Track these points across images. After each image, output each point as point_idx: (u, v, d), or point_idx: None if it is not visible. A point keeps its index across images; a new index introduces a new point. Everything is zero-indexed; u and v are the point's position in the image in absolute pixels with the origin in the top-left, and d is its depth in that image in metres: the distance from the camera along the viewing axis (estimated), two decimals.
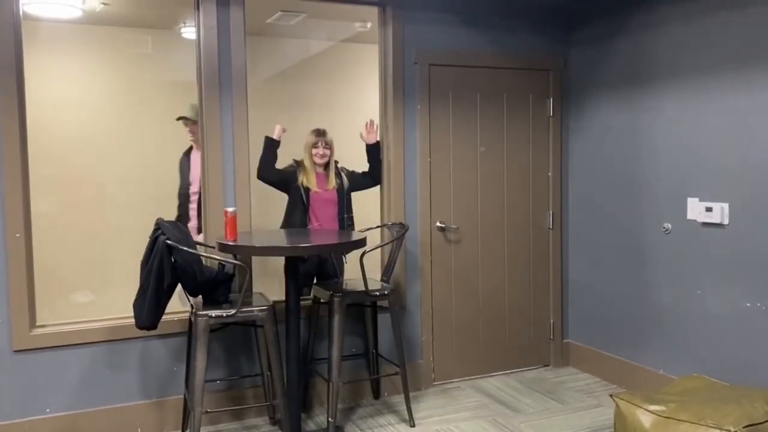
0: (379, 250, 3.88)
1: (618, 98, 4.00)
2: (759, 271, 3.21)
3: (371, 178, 3.95)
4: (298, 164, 3.86)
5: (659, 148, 3.73)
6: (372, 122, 3.92)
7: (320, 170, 3.84)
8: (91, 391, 3.36)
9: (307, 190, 3.80)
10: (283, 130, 3.75)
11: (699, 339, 3.54)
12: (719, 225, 3.39)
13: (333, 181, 3.84)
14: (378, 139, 3.93)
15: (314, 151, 3.80)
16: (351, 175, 3.94)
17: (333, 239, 3.35)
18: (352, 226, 3.92)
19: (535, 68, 4.30)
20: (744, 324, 3.29)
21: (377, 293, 3.50)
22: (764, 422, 2.69)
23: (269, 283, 3.86)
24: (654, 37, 3.73)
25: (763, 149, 3.17)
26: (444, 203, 4.12)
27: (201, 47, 3.51)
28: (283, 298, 3.34)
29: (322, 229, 3.81)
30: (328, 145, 3.83)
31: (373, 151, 3.92)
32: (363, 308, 3.86)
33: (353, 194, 3.96)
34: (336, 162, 3.91)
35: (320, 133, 3.83)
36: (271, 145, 3.73)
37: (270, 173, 3.76)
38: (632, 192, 3.93)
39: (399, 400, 3.88)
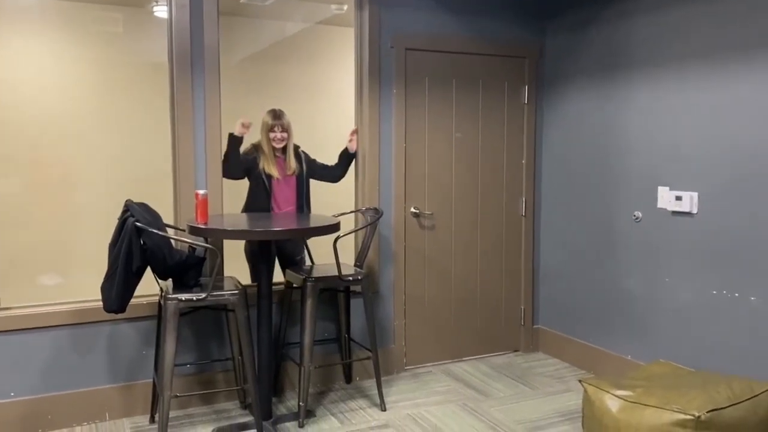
0: (352, 235, 3.86)
1: (592, 87, 4.03)
2: (725, 260, 3.27)
3: (331, 175, 3.89)
4: (257, 148, 3.76)
5: (631, 137, 3.77)
6: (356, 131, 3.88)
7: (279, 154, 3.77)
8: (57, 374, 3.30)
9: (269, 177, 3.73)
10: (245, 126, 3.59)
11: (666, 326, 3.60)
12: (688, 214, 3.45)
13: (292, 166, 3.77)
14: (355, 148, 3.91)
15: (271, 135, 3.69)
16: (311, 162, 3.87)
17: (306, 223, 3.33)
18: (309, 211, 3.88)
19: (510, 55, 4.30)
20: (710, 311, 3.36)
21: (350, 278, 3.49)
22: (727, 407, 2.75)
23: (241, 267, 3.82)
24: (628, 27, 3.76)
25: (733, 140, 3.21)
26: (418, 189, 4.11)
27: (173, 26, 3.43)
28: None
29: (293, 213, 3.77)
30: (286, 129, 3.72)
31: (349, 158, 3.90)
32: (336, 293, 3.85)
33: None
34: (297, 146, 3.83)
35: (277, 116, 3.70)
36: (234, 143, 3.60)
37: (235, 172, 3.68)
38: (604, 180, 3.97)
39: (371, 384, 3.89)
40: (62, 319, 3.29)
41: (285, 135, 3.72)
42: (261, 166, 3.71)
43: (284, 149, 3.76)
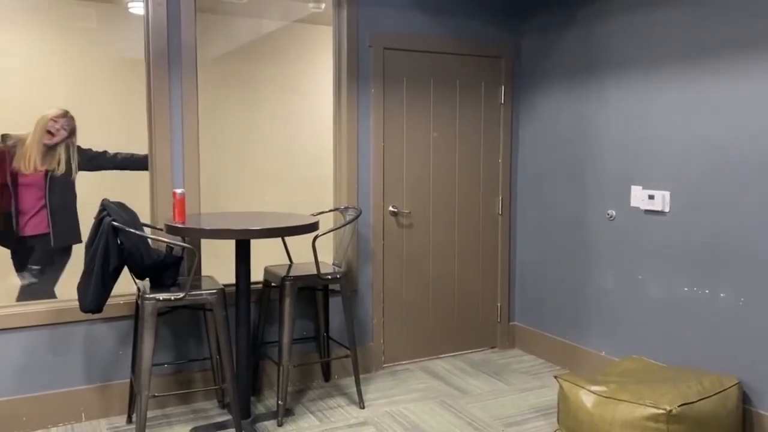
0: (331, 233, 3.87)
1: (567, 87, 4.08)
2: (695, 257, 3.35)
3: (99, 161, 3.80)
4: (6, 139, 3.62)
5: (606, 136, 3.83)
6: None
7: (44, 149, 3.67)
8: (32, 375, 3.26)
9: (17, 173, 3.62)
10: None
11: (639, 322, 3.67)
12: (660, 212, 3.52)
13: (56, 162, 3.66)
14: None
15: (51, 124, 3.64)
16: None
17: (285, 222, 3.33)
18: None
19: (487, 55, 4.34)
20: (681, 308, 3.44)
21: (329, 277, 3.50)
22: (697, 401, 2.83)
23: (221, 266, 3.81)
24: (603, 28, 3.81)
25: (704, 140, 3.29)
26: (397, 188, 4.14)
27: (149, 23, 3.41)
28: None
29: (268, 213, 3.77)
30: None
31: (138, 164, 3.75)
32: (314, 291, 3.86)
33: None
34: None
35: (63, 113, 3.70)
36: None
37: None
38: (579, 179, 4.03)
39: (349, 382, 3.91)
40: (38, 319, 3.25)
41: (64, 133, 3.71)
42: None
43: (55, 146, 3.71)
